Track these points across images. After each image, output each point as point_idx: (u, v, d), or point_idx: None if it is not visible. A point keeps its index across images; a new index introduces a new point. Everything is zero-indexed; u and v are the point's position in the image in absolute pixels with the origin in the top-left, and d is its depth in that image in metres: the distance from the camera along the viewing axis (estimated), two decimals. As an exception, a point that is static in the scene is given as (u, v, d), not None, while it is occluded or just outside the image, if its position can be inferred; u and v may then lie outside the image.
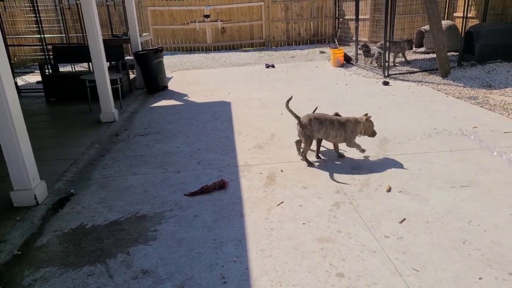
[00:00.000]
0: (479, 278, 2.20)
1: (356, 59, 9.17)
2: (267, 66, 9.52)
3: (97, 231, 2.88)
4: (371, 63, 8.61)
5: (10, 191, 3.20)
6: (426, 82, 6.96)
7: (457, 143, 4.13)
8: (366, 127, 3.73)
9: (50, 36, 9.63)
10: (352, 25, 11.25)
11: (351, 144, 3.79)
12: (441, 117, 5.02)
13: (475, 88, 6.31)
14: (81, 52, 6.94)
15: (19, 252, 2.67)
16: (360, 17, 9.48)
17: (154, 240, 2.73)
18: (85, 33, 5.84)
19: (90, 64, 7.05)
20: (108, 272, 2.43)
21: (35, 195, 3.20)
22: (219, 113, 5.80)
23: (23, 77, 8.64)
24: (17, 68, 9.68)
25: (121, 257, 2.56)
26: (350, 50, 9.94)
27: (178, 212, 3.09)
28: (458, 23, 8.68)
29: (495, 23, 8.54)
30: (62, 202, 3.35)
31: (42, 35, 7.55)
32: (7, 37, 6.85)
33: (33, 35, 10.09)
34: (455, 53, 8.39)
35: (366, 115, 3.74)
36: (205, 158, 4.12)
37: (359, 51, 8.92)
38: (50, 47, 7.59)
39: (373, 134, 3.80)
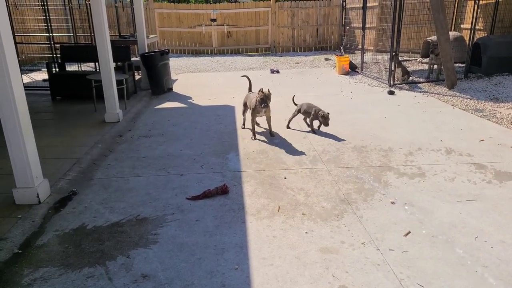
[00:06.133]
0: (485, 296, 2.15)
1: (362, 67, 9.15)
2: (272, 72, 9.52)
3: (98, 232, 2.86)
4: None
5: (13, 189, 3.18)
6: (432, 93, 6.93)
7: (463, 157, 4.09)
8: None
9: (58, 35, 9.69)
10: (358, 33, 11.26)
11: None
12: (447, 129, 4.99)
13: (482, 101, 6.28)
14: (89, 52, 6.98)
15: (20, 251, 2.64)
16: (366, 25, 9.49)
17: (155, 243, 2.70)
18: (93, 33, 5.87)
19: (97, 64, 7.08)
20: (108, 275, 2.40)
21: (37, 194, 3.18)
22: (223, 117, 5.79)
23: (29, 74, 8.68)
24: (24, 65, 9.74)
25: (121, 260, 2.53)
26: (356, 58, 9.94)
27: (180, 216, 3.06)
28: (465, 34, 8.66)
29: (503, 36, 8.52)
30: (64, 202, 3.33)
31: (50, 34, 7.60)
32: (16, 34, 6.89)
33: (41, 33, 10.17)
34: (462, 65, 8.36)
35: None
36: (208, 162, 4.10)
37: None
38: (58, 46, 7.63)
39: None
